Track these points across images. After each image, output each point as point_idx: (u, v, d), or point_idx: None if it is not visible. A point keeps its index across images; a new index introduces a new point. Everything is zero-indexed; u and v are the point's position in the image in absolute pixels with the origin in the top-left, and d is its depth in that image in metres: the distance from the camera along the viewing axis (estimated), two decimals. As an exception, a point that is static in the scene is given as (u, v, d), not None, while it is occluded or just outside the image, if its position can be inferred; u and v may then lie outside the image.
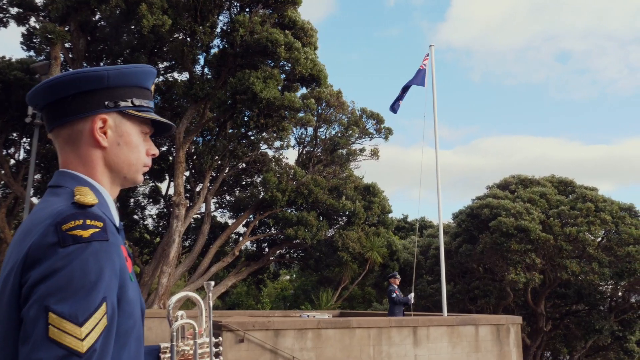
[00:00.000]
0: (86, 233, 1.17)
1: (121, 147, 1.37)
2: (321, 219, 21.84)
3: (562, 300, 22.54)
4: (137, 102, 1.39)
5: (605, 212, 20.21)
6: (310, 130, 22.58)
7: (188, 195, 20.93)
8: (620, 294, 22.11)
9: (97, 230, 1.19)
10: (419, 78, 13.79)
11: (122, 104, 1.37)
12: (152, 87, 1.48)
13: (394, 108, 13.92)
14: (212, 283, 1.71)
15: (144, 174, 1.49)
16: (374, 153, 22.56)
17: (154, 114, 1.44)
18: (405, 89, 13.92)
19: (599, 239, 20.69)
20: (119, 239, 1.28)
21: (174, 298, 1.66)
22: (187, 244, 23.04)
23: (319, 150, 22.55)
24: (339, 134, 22.09)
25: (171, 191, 21.49)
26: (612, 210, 20.41)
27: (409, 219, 34.47)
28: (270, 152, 23.24)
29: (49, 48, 16.52)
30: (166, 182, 22.60)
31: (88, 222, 1.19)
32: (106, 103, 1.35)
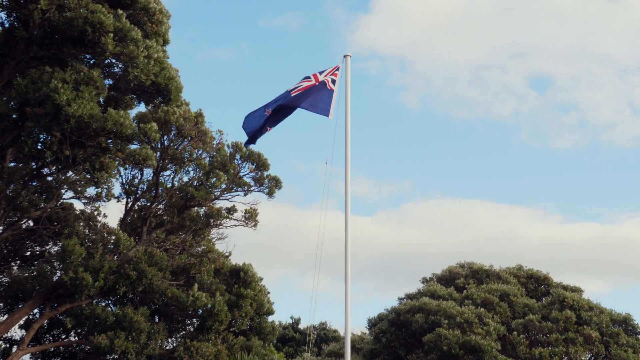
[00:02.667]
0: None
1: None
2: (157, 320, 21.20)
3: None
4: None
5: (591, 326, 21.50)
6: (148, 172, 22.23)
7: None
8: None
9: None
10: (319, 103, 14.12)
11: None
12: None
13: (252, 137, 14.15)
14: None
15: None
16: (251, 216, 22.52)
17: None
18: (274, 113, 14.15)
19: (583, 367, 21.87)
20: None
21: None
22: None
23: (161, 206, 22.20)
24: (196, 182, 21.89)
25: None
26: (602, 323, 21.77)
27: (302, 325, 34.51)
28: (79, 205, 22.44)
29: None
30: None
31: None
32: None
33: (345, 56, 14.82)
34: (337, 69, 14.75)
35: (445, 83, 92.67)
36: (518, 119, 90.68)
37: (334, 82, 14.49)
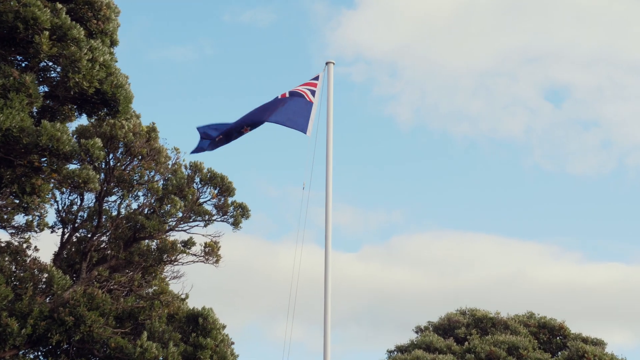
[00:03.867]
0: None
1: None
2: (97, 375, 20.95)
3: None
4: None
5: (616, 386, 21.59)
6: (89, 198, 22.20)
7: None
8: None
9: None
10: (296, 117, 14.13)
11: None
12: None
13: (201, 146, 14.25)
14: None
15: None
16: (212, 250, 22.47)
17: None
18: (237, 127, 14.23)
19: None
20: None
21: None
22: None
23: (104, 238, 22.14)
24: (147, 210, 21.89)
25: None
26: (628, 382, 21.88)
27: (271, 383, 34.40)
28: (4, 236, 22.31)
29: None
30: None
31: None
32: None
33: (327, 63, 14.84)
34: (317, 79, 14.75)
35: (443, 93, 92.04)
36: (530, 136, 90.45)
37: (313, 93, 14.47)
